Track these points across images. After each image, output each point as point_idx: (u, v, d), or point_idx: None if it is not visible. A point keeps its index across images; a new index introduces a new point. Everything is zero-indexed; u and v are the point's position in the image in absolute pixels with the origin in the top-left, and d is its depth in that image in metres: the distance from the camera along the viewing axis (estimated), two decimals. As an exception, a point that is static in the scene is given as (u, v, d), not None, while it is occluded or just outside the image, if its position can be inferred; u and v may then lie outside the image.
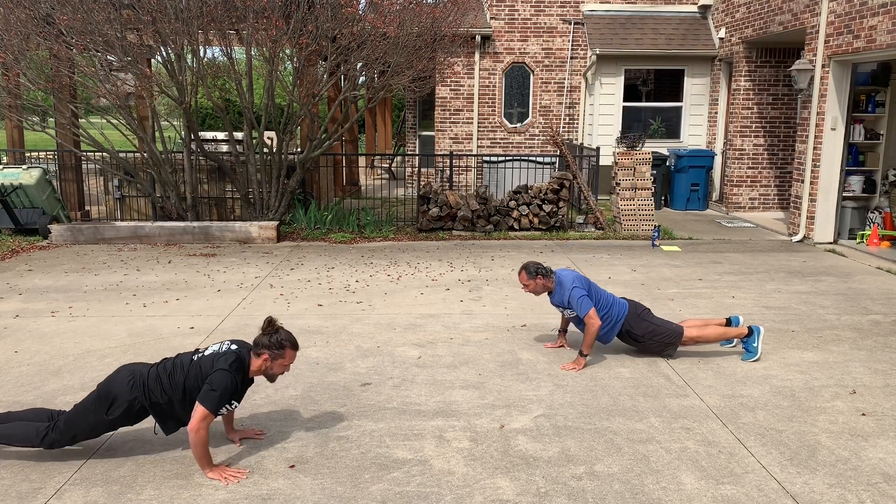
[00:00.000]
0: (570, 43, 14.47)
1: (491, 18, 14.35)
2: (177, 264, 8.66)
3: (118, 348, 5.65)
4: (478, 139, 14.74)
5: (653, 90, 15.33)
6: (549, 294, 5.47)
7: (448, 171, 13.47)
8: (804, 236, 10.25)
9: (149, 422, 4.36)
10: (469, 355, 5.54)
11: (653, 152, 12.01)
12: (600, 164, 12.48)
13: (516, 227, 10.95)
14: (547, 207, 10.83)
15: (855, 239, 10.11)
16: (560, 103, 14.73)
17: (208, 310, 6.69)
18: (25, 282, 7.74)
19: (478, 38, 14.19)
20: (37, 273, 8.16)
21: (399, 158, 20.19)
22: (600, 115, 13.79)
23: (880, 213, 9.97)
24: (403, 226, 11.20)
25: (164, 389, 3.75)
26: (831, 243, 10.03)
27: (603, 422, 4.39)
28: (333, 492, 3.59)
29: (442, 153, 13.75)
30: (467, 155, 12.70)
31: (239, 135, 11.20)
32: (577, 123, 14.82)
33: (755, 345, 5.44)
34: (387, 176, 19.15)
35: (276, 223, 10.12)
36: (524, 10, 14.36)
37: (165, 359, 3.92)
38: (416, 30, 10.50)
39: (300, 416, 4.44)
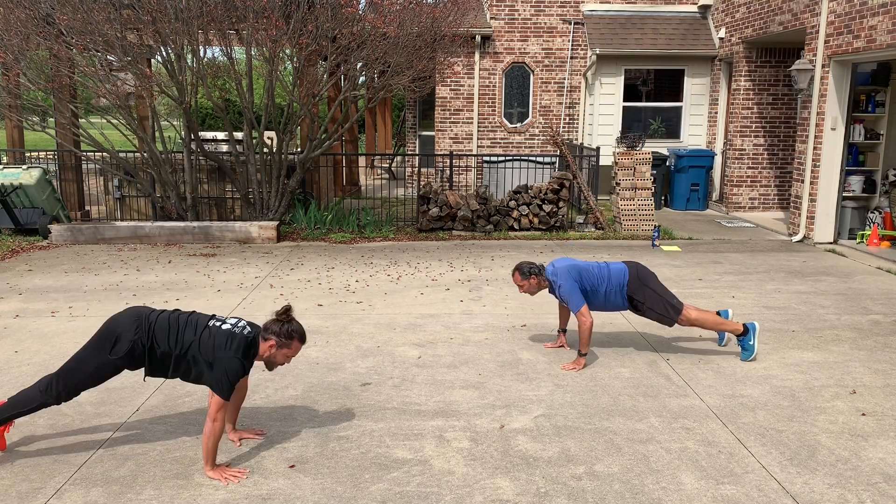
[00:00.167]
0: (570, 43, 14.48)
1: (491, 18, 14.36)
2: (177, 264, 8.66)
3: (118, 348, 5.64)
4: (478, 139, 14.75)
5: (653, 90, 15.33)
6: (549, 290, 5.47)
7: (448, 171, 13.48)
8: (804, 236, 10.25)
9: (147, 425, 4.36)
10: (469, 355, 5.54)
11: (653, 152, 12.01)
12: (600, 164, 12.49)
13: (516, 227, 10.95)
14: (547, 207, 10.83)
15: (855, 239, 10.12)
16: (560, 103, 14.73)
17: (208, 310, 6.68)
18: (25, 282, 7.74)
19: (478, 38, 14.19)
20: (37, 273, 8.16)
21: (399, 158, 20.19)
22: (600, 115, 13.79)
23: (880, 213, 9.97)
24: (403, 226, 11.20)
25: (169, 341, 3.68)
26: (831, 243, 10.03)
27: (603, 422, 4.39)
28: (333, 492, 3.59)
29: (442, 153, 13.75)
30: (467, 155, 12.70)
31: (239, 135, 11.20)
32: (577, 123, 14.83)
33: (751, 342, 5.40)
34: (387, 176, 19.15)
35: (276, 223, 10.12)
36: (524, 10, 14.36)
37: (178, 310, 3.87)
38: (416, 30, 10.50)
39: (300, 416, 4.44)
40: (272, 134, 11.45)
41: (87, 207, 12.07)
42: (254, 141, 10.68)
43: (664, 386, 4.95)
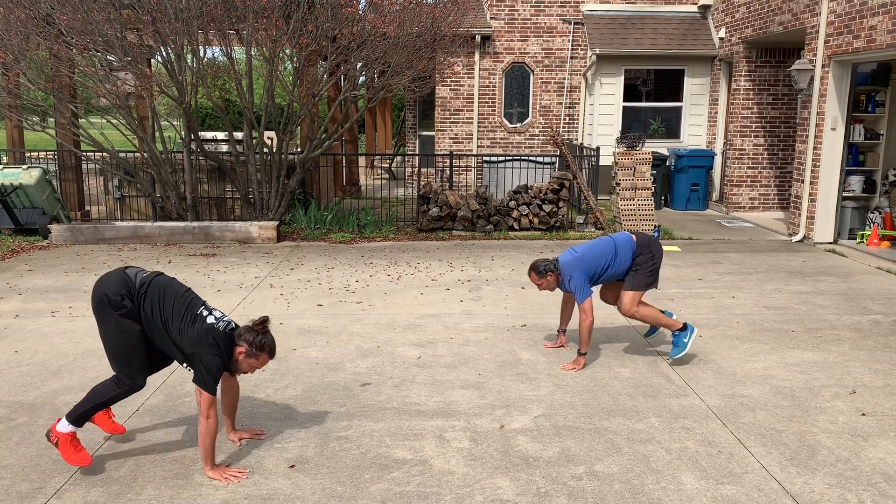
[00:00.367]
0: (570, 43, 14.48)
1: (491, 18, 14.36)
2: (177, 264, 8.66)
3: (118, 348, 5.64)
4: (478, 139, 14.74)
5: (653, 90, 15.33)
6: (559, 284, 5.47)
7: (448, 171, 13.48)
8: (804, 236, 10.25)
9: (147, 425, 4.36)
10: (469, 355, 5.54)
11: (653, 152, 12.01)
12: (600, 164, 12.48)
13: (516, 227, 10.95)
14: (547, 207, 10.83)
15: (855, 239, 10.12)
16: (560, 103, 14.73)
17: (208, 310, 6.68)
18: (25, 282, 7.74)
19: (478, 38, 14.19)
20: (37, 273, 8.16)
21: (399, 158, 20.19)
22: (600, 115, 13.79)
23: (880, 213, 9.97)
24: (403, 226, 11.20)
25: (154, 307, 3.65)
26: (831, 243, 10.03)
27: (603, 422, 4.39)
28: (333, 492, 3.59)
29: (442, 153, 13.75)
30: (467, 155, 12.70)
31: (239, 135, 11.20)
32: (577, 123, 14.82)
33: (685, 340, 5.29)
34: (387, 176, 19.15)
35: (276, 223, 10.12)
36: (524, 10, 14.36)
37: (175, 279, 3.83)
38: (416, 30, 10.50)
39: (300, 416, 4.44)
40: (272, 134, 11.45)
41: (87, 207, 12.07)
42: (254, 141, 10.68)
43: (664, 386, 4.95)
